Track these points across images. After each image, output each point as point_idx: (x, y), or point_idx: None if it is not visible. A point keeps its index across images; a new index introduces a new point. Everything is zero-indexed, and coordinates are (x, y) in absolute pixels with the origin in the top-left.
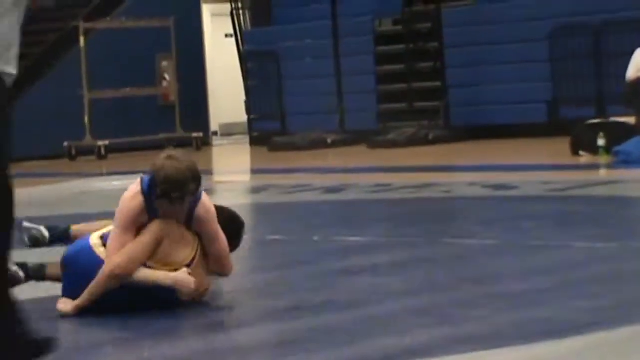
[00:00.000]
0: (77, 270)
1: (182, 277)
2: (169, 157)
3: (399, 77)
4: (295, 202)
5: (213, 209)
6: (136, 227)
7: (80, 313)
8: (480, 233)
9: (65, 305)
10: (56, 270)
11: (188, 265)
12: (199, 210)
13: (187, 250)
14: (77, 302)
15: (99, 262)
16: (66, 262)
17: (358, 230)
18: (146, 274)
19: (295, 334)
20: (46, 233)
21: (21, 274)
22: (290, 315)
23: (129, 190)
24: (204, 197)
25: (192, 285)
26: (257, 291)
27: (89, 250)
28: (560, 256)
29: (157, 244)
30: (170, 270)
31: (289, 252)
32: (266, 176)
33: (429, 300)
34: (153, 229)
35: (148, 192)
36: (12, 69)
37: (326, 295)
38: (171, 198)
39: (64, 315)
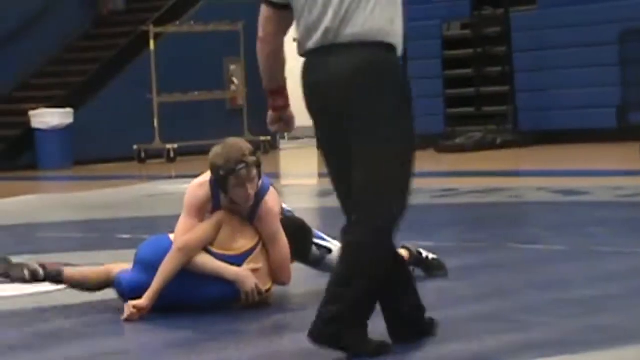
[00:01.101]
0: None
1: (245, 273)
2: (218, 145)
3: (467, 82)
4: None
5: (276, 210)
6: (202, 215)
7: (145, 316)
8: (548, 238)
9: (137, 302)
10: (74, 276)
11: (247, 254)
12: (261, 210)
13: (246, 240)
14: (151, 289)
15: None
16: (143, 259)
17: (425, 234)
18: (211, 260)
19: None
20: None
21: (41, 272)
22: None
23: (199, 178)
24: (269, 195)
25: (253, 283)
26: (323, 294)
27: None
28: (630, 263)
29: (218, 228)
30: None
31: None
32: None
33: (496, 305)
34: (215, 215)
35: (216, 184)
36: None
37: None
38: (236, 171)
39: (139, 310)
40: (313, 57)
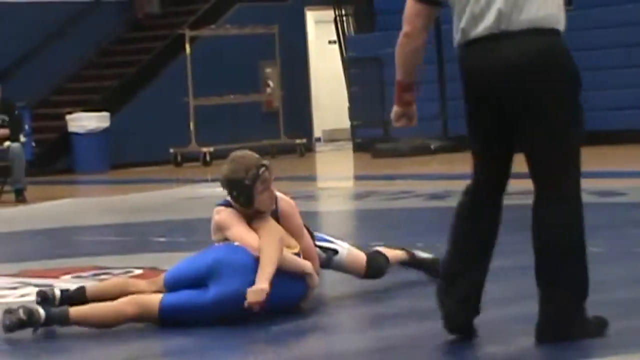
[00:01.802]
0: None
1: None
2: (233, 158)
3: None
4: (399, 209)
5: (292, 202)
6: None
7: (183, 322)
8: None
9: (255, 294)
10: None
11: (299, 254)
12: (282, 204)
13: (293, 241)
14: (267, 273)
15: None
16: (218, 264)
17: None
18: (290, 255)
19: (396, 340)
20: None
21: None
22: (391, 322)
23: (223, 214)
24: (280, 194)
25: (317, 278)
26: (358, 297)
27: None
28: None
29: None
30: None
31: None
32: (369, 182)
33: (532, 307)
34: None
35: (234, 203)
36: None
37: (428, 303)
38: (260, 175)
39: (266, 293)
40: (480, 45)
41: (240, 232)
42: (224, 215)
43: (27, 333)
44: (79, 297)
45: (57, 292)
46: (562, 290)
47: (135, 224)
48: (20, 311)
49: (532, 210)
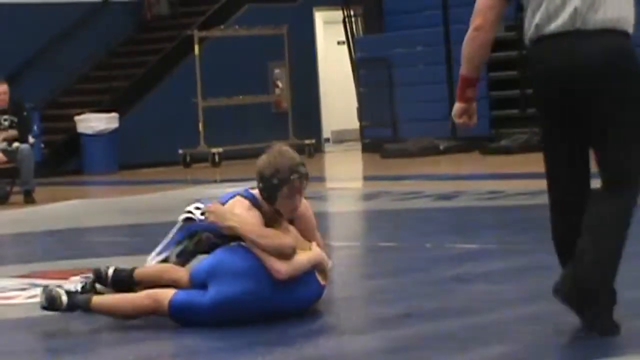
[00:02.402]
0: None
1: (322, 254)
2: (273, 151)
3: (512, 84)
4: (407, 209)
5: (307, 202)
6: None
7: (192, 321)
8: None
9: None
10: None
11: None
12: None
13: (307, 244)
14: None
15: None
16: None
17: (471, 237)
18: (304, 253)
19: (406, 341)
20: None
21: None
22: (401, 322)
23: (236, 204)
24: None
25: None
26: (369, 298)
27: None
28: None
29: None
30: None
31: (401, 259)
32: (378, 183)
33: (543, 308)
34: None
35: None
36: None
37: (438, 303)
38: (290, 181)
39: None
40: (552, 41)
41: (266, 231)
42: (249, 221)
43: (33, 333)
44: (127, 278)
45: (110, 271)
46: (595, 264)
47: (144, 224)
48: (43, 297)
49: (590, 204)
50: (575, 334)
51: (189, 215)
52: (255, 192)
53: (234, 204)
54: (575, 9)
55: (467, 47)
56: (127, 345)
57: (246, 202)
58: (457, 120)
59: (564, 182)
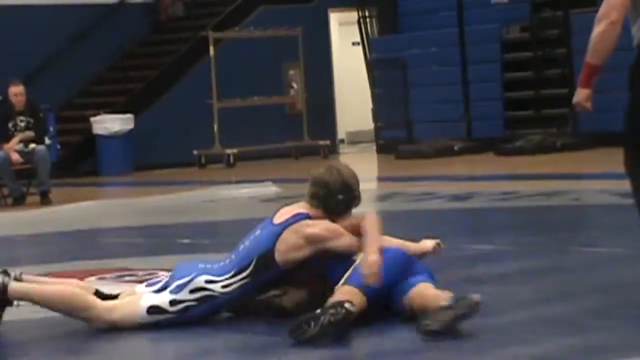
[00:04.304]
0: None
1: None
2: (331, 166)
3: (526, 84)
4: (422, 210)
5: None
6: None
7: (205, 322)
8: (609, 241)
9: (369, 267)
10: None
11: None
12: None
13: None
14: (376, 246)
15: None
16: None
17: (485, 238)
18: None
19: (421, 342)
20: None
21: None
22: (411, 323)
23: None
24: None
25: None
26: None
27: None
28: None
29: None
30: None
31: None
32: (392, 184)
33: (558, 309)
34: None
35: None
36: None
37: None
38: (353, 203)
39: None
40: None
41: (352, 239)
42: (326, 226)
43: (35, 333)
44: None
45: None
46: None
47: (159, 225)
48: None
49: None
50: (592, 335)
51: (207, 293)
52: (301, 209)
53: (325, 227)
54: None
55: (600, 39)
56: (142, 344)
57: (325, 220)
58: (586, 104)
59: None
